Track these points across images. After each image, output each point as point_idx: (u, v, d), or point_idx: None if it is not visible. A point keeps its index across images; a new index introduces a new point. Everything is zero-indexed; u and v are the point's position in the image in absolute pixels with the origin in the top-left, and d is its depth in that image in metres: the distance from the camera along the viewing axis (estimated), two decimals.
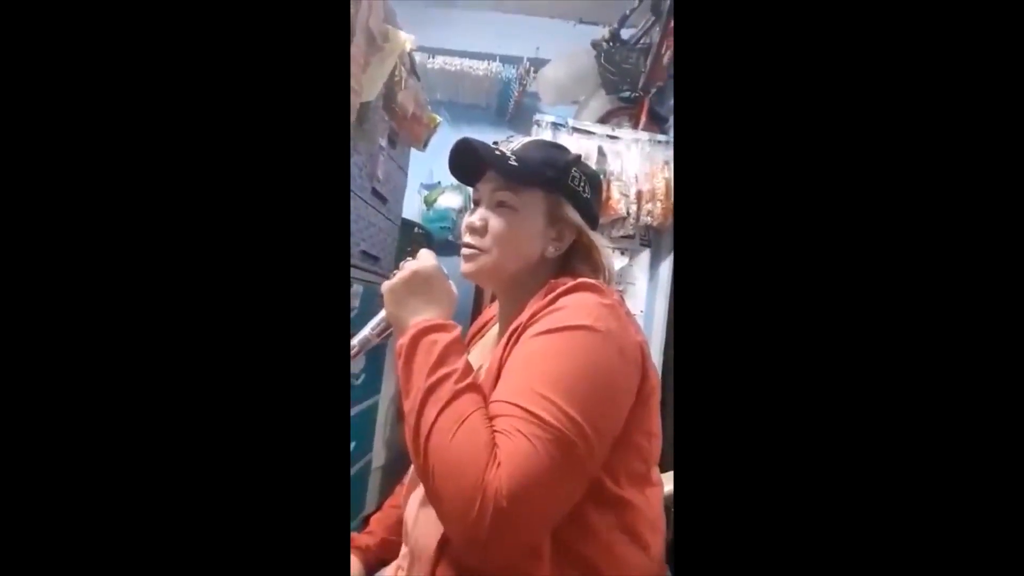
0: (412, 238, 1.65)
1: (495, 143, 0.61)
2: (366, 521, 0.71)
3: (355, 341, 0.56)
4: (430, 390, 0.46)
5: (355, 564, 0.65)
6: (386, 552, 0.65)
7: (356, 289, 1.19)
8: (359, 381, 1.27)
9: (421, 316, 0.51)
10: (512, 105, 2.15)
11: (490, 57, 2.07)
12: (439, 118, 1.49)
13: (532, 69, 2.01)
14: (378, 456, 1.50)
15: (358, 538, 0.68)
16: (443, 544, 0.48)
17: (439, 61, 2.04)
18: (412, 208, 1.89)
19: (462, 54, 2.05)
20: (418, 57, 1.75)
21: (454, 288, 0.56)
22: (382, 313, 0.56)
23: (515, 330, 0.51)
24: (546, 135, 1.54)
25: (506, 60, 2.07)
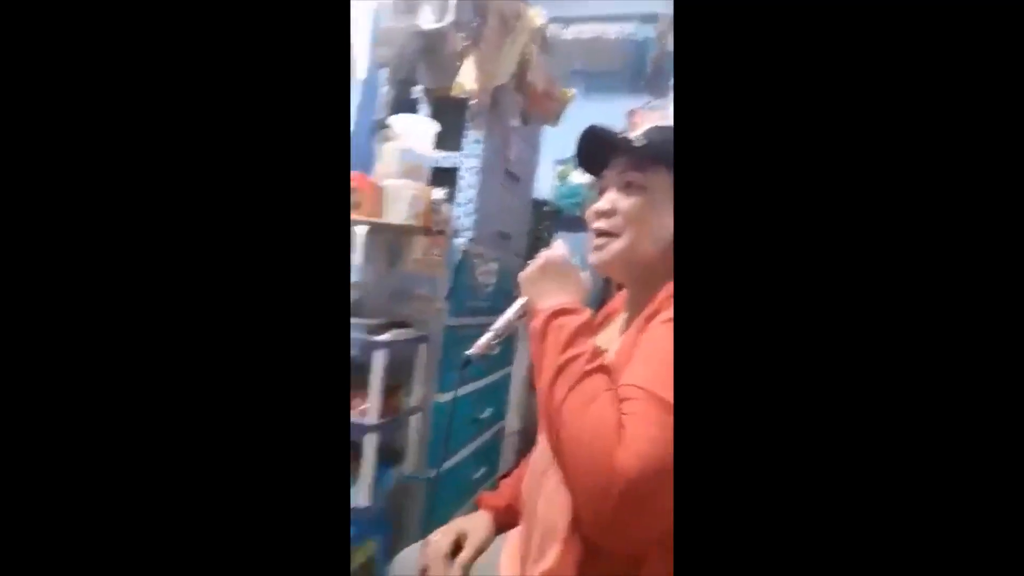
0: (543, 215, 1.68)
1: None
2: (498, 483, 0.76)
3: (498, 325, 0.61)
4: (560, 369, 0.48)
5: (486, 520, 0.70)
6: (512, 516, 0.70)
7: (492, 267, 1.25)
8: (495, 352, 1.35)
9: (553, 300, 0.54)
10: (650, 67, 2.02)
11: (626, 19, 1.95)
12: (572, 91, 1.47)
13: (671, 27, 1.85)
14: (511, 422, 1.60)
15: (490, 498, 0.73)
16: (576, 520, 0.50)
17: (573, 30, 1.99)
18: (544, 184, 1.91)
19: (597, 19, 1.97)
20: (551, 29, 1.73)
21: (585, 275, 0.57)
22: (522, 299, 0.60)
23: (650, 316, 0.51)
24: None
25: (645, 19, 1.94)
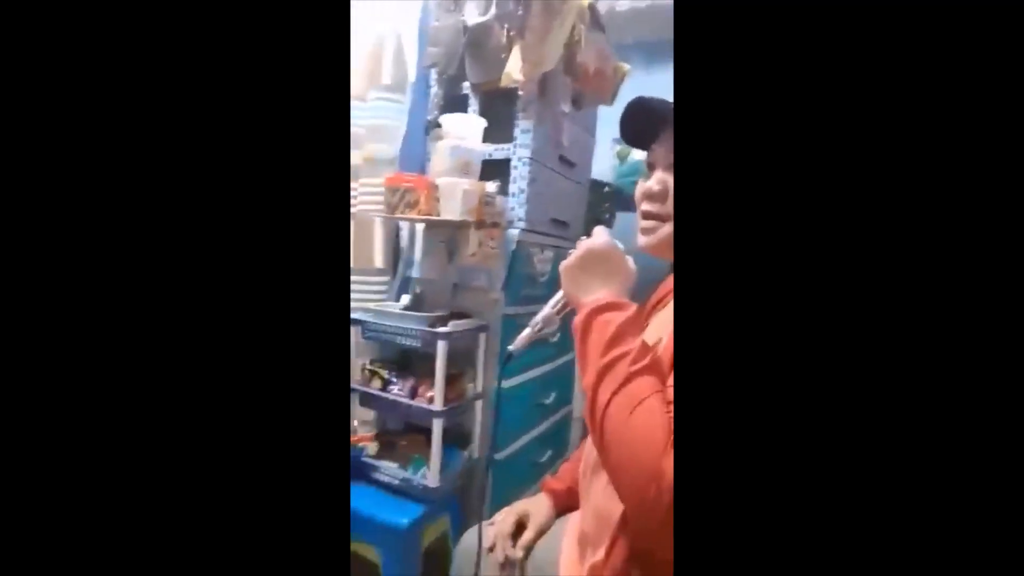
0: (602, 197, 1.64)
1: None
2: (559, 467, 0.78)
3: (537, 319, 0.59)
4: (604, 370, 0.46)
5: (547, 504, 0.72)
6: (573, 499, 0.71)
7: (547, 255, 1.26)
8: (556, 338, 1.37)
9: (595, 295, 0.51)
10: None
11: None
12: (626, 66, 1.41)
13: None
14: (578, 407, 1.61)
15: (550, 482, 0.75)
16: (625, 520, 0.50)
17: (626, 2, 1.90)
18: (603, 165, 1.86)
19: None
20: (604, 4, 1.67)
21: (631, 263, 0.54)
22: (559, 294, 0.57)
23: None
24: None
25: None
